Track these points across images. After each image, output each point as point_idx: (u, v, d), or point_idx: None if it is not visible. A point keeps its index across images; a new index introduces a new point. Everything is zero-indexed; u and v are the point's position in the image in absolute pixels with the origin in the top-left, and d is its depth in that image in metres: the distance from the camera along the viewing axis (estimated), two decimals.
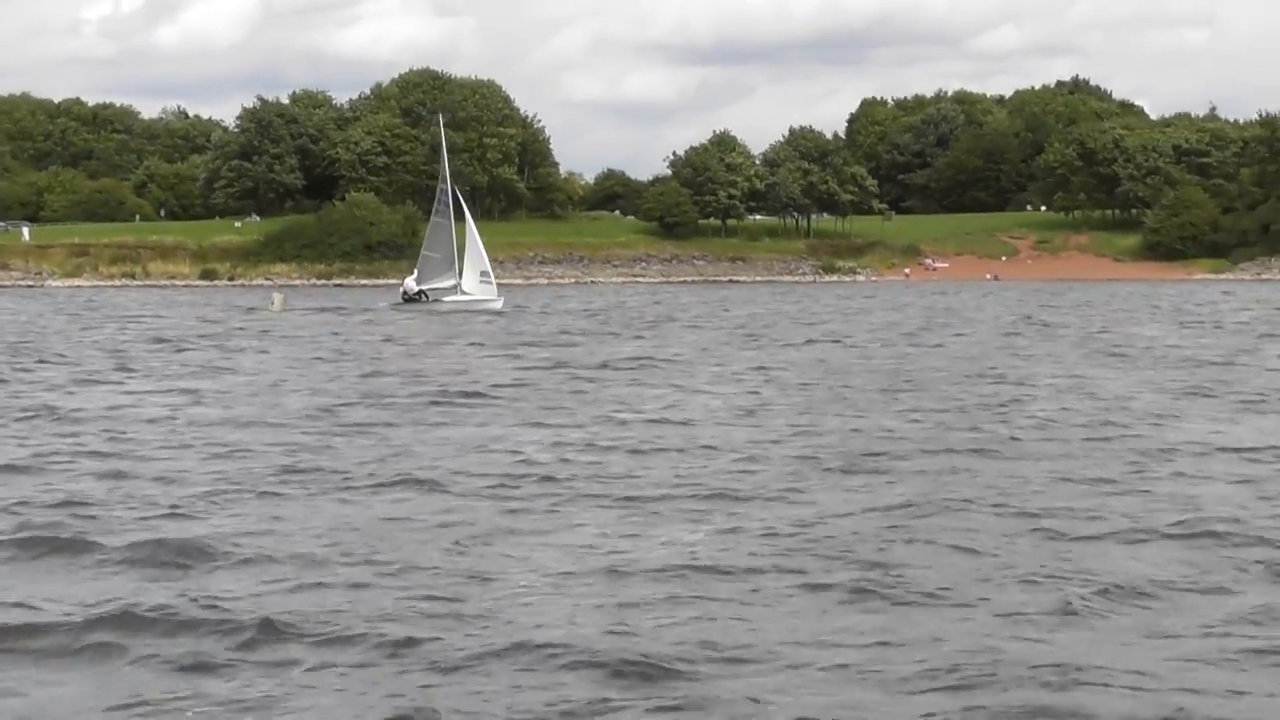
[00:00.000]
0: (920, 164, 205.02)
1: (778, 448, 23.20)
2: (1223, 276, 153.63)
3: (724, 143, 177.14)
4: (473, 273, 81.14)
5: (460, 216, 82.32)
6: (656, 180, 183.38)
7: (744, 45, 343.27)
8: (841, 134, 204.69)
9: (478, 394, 32.11)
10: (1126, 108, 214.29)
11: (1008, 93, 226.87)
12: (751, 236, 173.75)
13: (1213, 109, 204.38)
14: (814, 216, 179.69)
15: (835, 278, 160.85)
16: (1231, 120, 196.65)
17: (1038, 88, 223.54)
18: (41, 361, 42.88)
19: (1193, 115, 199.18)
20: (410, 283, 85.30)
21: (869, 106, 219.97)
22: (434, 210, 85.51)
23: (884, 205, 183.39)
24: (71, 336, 56.76)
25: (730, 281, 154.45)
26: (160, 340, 53.43)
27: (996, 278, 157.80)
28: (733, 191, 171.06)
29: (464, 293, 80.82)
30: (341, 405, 29.84)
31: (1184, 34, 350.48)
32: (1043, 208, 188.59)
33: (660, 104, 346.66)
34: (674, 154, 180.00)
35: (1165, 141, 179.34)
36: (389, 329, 61.62)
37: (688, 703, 10.92)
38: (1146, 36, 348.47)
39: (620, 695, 11.07)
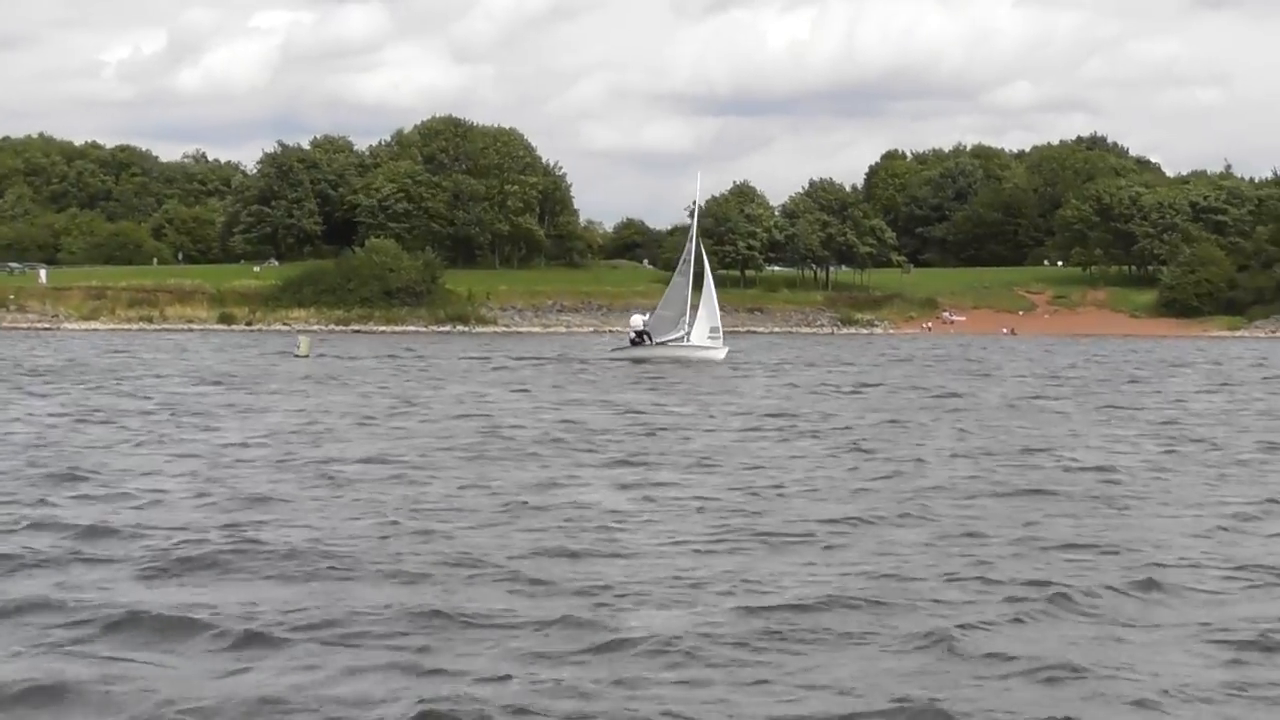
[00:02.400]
0: (939, 217, 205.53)
1: None
2: (1239, 334, 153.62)
3: (744, 193, 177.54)
4: (703, 327, 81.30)
5: (700, 274, 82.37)
6: (676, 230, 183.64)
7: (761, 96, 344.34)
8: (860, 186, 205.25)
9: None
10: (1143, 165, 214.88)
11: (1023, 147, 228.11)
12: (770, 287, 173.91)
13: (1228, 166, 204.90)
14: (832, 268, 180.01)
15: (853, 330, 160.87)
16: (1247, 179, 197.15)
17: (1054, 143, 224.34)
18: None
19: (1208, 173, 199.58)
20: (636, 319, 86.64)
21: (888, 159, 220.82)
22: (676, 270, 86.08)
23: (902, 258, 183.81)
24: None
25: (749, 332, 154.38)
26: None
27: (1013, 332, 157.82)
28: (752, 242, 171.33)
29: (689, 343, 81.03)
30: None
31: (1196, 92, 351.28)
32: (1060, 263, 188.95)
33: (678, 153, 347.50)
34: (694, 203, 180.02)
35: (1182, 199, 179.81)
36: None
37: None
38: (1159, 94, 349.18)
39: None
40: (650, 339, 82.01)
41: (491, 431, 35.12)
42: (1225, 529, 21.00)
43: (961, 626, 14.61)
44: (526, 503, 22.56)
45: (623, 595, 15.93)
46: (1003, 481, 25.90)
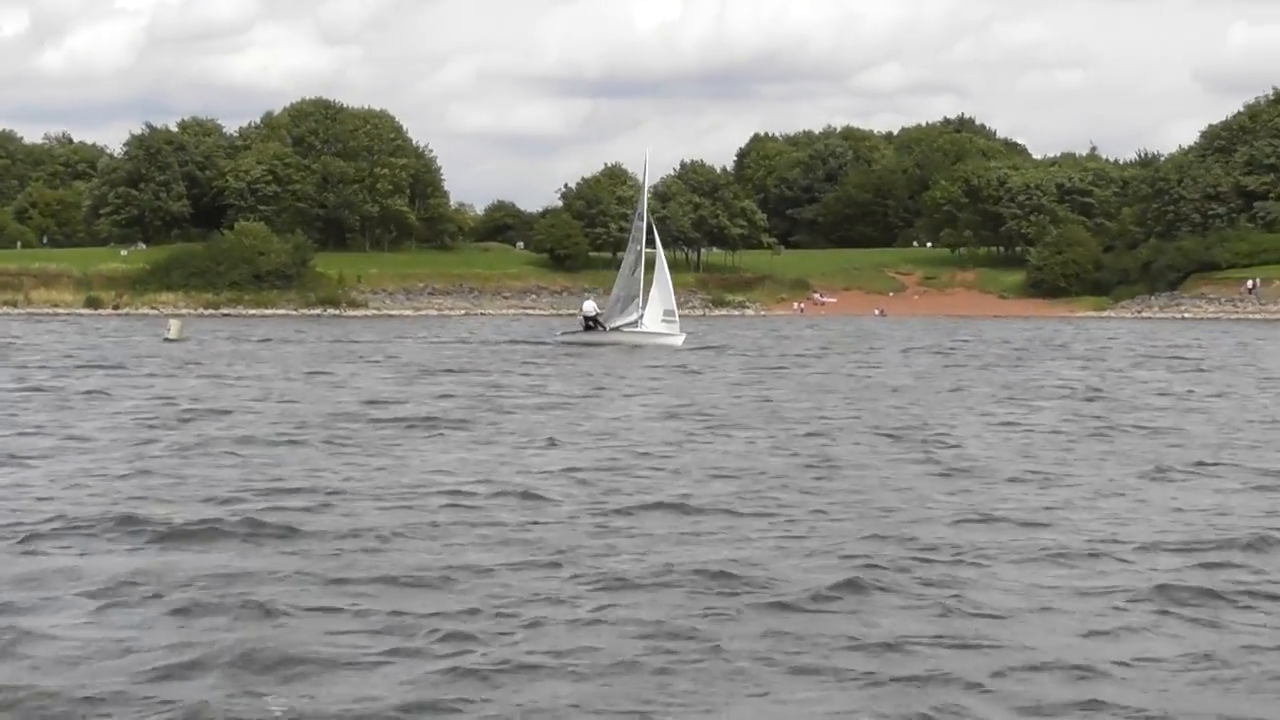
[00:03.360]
0: (809, 199, 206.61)
1: None
2: (1105, 314, 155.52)
3: (615, 175, 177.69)
4: (655, 311, 78.37)
5: (653, 253, 79.79)
6: (547, 212, 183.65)
7: (631, 78, 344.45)
8: (731, 168, 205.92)
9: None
10: (1010, 146, 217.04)
11: (892, 129, 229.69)
12: None
13: (1093, 148, 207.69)
14: (704, 250, 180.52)
15: (725, 311, 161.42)
16: (1112, 160, 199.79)
17: (923, 125, 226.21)
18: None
19: (1075, 155, 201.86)
20: (589, 305, 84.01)
21: (759, 141, 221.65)
22: (628, 250, 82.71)
23: (773, 239, 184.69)
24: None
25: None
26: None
27: (884, 313, 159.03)
28: (624, 224, 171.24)
29: (643, 326, 78.12)
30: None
31: (1060, 75, 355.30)
32: (929, 244, 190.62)
33: (548, 136, 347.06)
34: (565, 186, 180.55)
35: (1048, 180, 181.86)
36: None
37: None
38: (1024, 77, 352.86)
39: None
40: (603, 325, 79.36)
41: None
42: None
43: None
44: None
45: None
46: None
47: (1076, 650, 13.17)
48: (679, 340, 76.93)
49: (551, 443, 28.77)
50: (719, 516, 19.72)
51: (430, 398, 40.03)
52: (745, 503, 20.91)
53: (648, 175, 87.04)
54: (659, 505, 20.57)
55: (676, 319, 79.02)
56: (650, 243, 79.95)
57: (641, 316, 78.30)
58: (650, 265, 79.69)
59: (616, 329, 78.53)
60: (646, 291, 78.76)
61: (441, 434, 30.35)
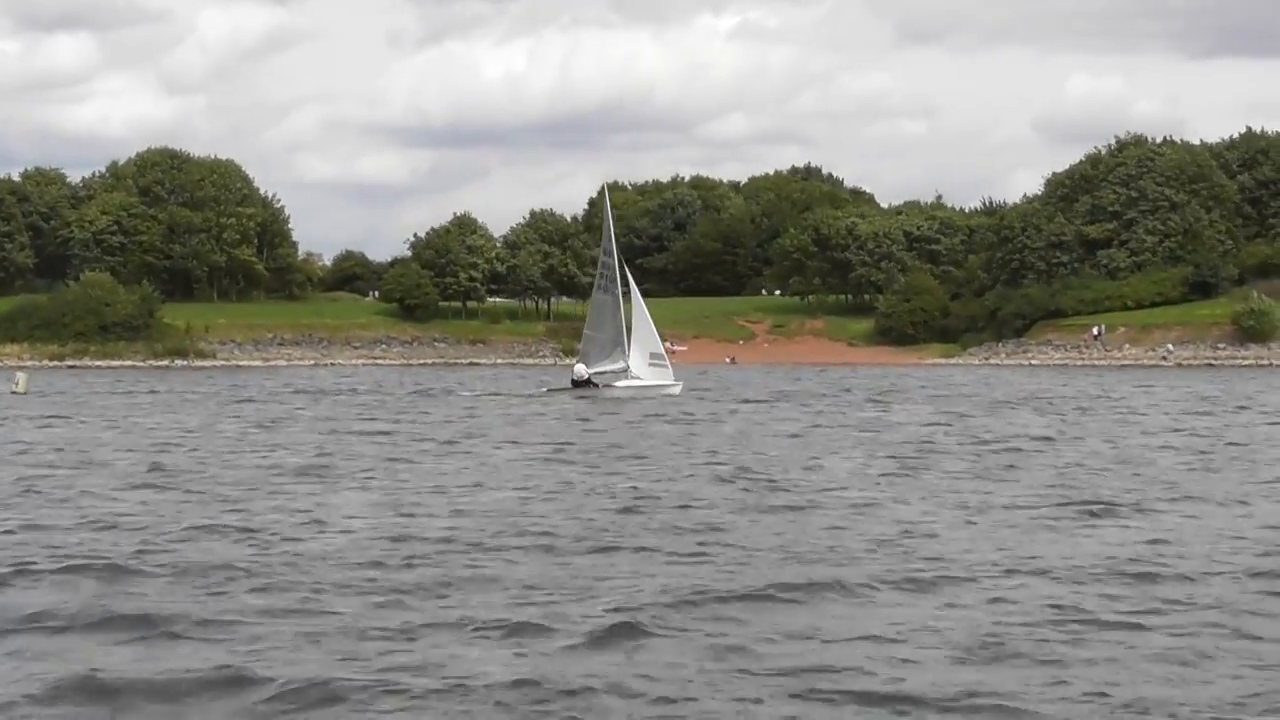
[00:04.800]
0: (658, 248, 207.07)
1: None
2: (954, 361, 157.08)
3: (464, 224, 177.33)
4: (641, 354, 74.67)
5: (628, 293, 76.20)
6: (396, 261, 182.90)
7: (477, 128, 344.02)
8: (580, 217, 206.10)
9: None
10: (858, 195, 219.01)
11: (740, 178, 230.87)
12: (492, 319, 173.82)
13: (939, 197, 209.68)
14: (554, 299, 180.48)
15: (576, 360, 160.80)
16: (957, 209, 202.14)
17: (770, 174, 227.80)
18: None
19: (921, 203, 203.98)
20: (580, 369, 76.14)
21: (608, 190, 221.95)
22: (595, 286, 79.13)
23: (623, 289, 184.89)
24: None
25: (471, 364, 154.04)
26: None
27: (734, 360, 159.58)
28: (474, 273, 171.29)
29: (635, 377, 74.04)
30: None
31: (904, 125, 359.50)
32: (778, 292, 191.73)
33: (395, 185, 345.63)
34: (415, 235, 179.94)
35: (896, 228, 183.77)
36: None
37: None
38: (869, 126, 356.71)
39: None
40: (596, 384, 74.02)
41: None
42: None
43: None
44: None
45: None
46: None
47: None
48: (677, 389, 73.60)
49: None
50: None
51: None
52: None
53: (608, 212, 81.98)
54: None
55: (668, 364, 76.06)
56: (625, 281, 76.80)
57: (629, 364, 74.93)
58: (628, 307, 76.21)
59: (610, 386, 73.95)
60: (628, 335, 75.37)
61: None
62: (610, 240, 78.40)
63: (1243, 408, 63.08)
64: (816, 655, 14.77)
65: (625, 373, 74.79)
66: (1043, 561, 20.05)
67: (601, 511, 25.49)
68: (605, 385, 74.10)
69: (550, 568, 19.56)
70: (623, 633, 15.43)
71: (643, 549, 21.15)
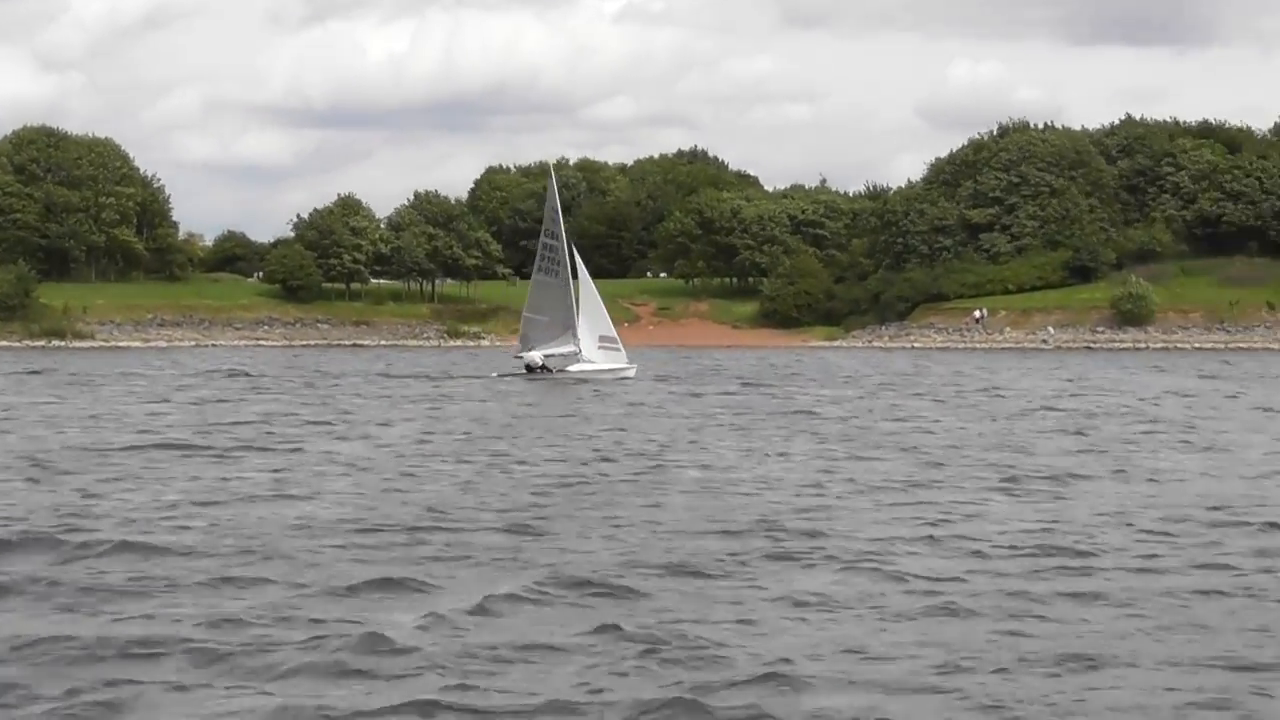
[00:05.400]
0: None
1: None
2: (837, 344, 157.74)
3: (348, 205, 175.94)
4: (590, 338, 73.57)
5: (575, 275, 74.77)
6: (279, 242, 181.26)
7: (360, 109, 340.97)
8: (465, 199, 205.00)
9: None
10: (743, 178, 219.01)
11: (625, 161, 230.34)
12: (376, 300, 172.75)
13: (823, 180, 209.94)
14: (439, 281, 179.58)
15: (461, 342, 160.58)
16: (841, 193, 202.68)
17: (656, 157, 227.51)
18: None
19: (806, 187, 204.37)
20: (534, 355, 74.10)
21: (492, 173, 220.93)
22: (536, 267, 77.08)
23: (508, 270, 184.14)
24: None
25: (355, 346, 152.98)
26: None
27: None
28: (358, 255, 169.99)
29: (587, 360, 72.84)
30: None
31: (788, 108, 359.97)
32: (663, 275, 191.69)
33: (277, 166, 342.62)
34: (298, 216, 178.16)
35: (781, 212, 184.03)
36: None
37: None
38: (753, 110, 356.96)
39: None
40: (551, 371, 72.97)
41: None
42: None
43: None
44: None
45: None
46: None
47: None
48: (631, 372, 73.05)
49: None
50: None
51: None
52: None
53: (554, 193, 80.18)
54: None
55: (620, 346, 74.98)
56: (572, 263, 75.37)
57: (580, 347, 73.86)
58: (576, 289, 74.99)
59: (564, 370, 73.00)
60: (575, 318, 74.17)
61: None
62: (557, 223, 77.14)
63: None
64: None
65: (576, 356, 73.68)
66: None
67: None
68: (559, 370, 73.00)
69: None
70: None
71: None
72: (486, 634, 14.60)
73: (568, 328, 74.23)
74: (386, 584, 16.92)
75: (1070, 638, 14.54)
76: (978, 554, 19.05)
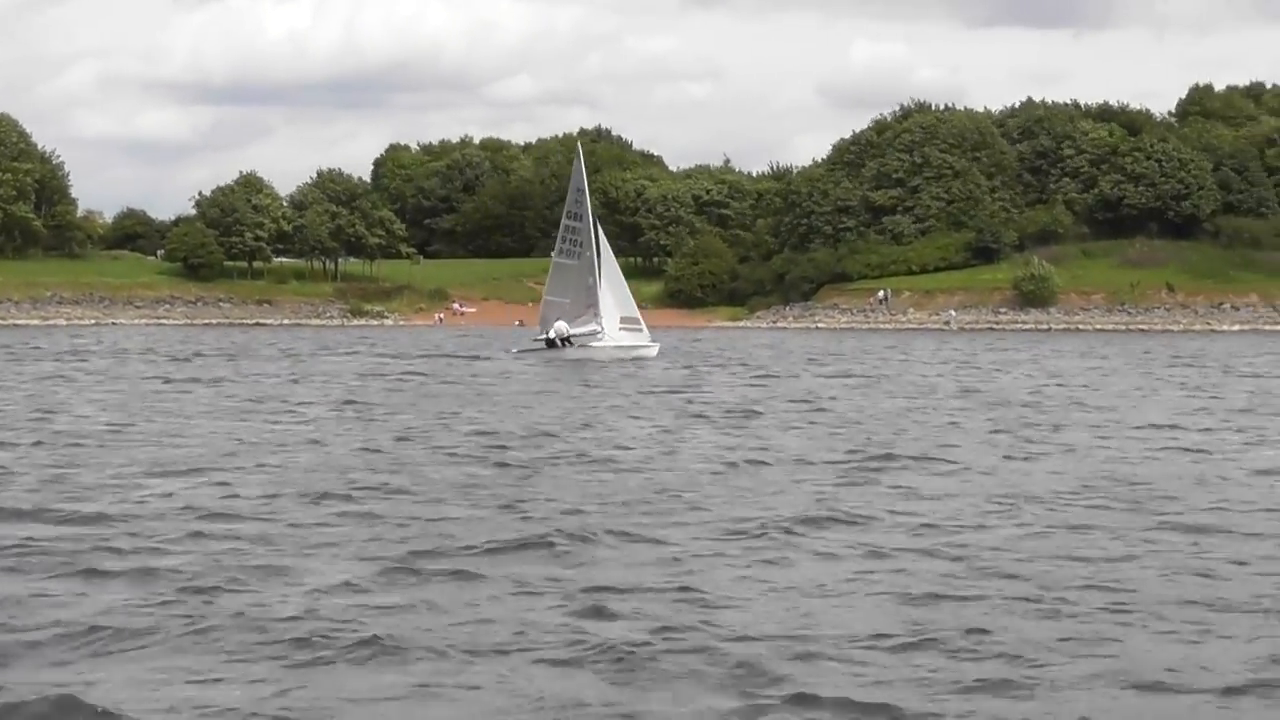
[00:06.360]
0: (447, 209, 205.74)
1: None
2: (741, 324, 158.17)
3: (250, 183, 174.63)
4: (613, 318, 73.29)
5: (598, 255, 73.79)
6: (180, 220, 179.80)
7: (261, 85, 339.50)
8: (367, 177, 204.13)
9: None
10: (647, 158, 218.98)
11: (529, 140, 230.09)
12: (279, 279, 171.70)
13: (727, 161, 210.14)
14: (342, 260, 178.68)
15: (364, 321, 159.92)
16: (746, 172, 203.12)
17: (559, 136, 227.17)
18: None
19: (711, 167, 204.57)
20: (561, 325, 73.95)
21: (395, 151, 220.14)
22: (556, 250, 76.92)
23: (411, 249, 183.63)
24: None
25: (257, 324, 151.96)
26: None
27: (523, 323, 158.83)
28: (260, 233, 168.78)
29: (610, 339, 72.52)
30: None
31: (690, 88, 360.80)
32: None
33: (177, 142, 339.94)
34: (200, 194, 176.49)
35: (685, 192, 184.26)
36: None
37: None
38: (656, 89, 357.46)
39: None
40: (572, 343, 72.88)
41: None
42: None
43: None
44: None
45: None
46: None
47: None
48: (653, 351, 72.74)
49: None
50: None
51: None
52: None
53: (584, 170, 78.97)
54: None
55: (643, 327, 74.97)
56: (597, 242, 74.71)
57: (602, 326, 73.60)
58: (590, 269, 74.39)
59: (585, 346, 72.89)
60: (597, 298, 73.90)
61: None
62: (582, 204, 76.46)
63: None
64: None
65: (597, 335, 73.59)
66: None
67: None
68: (581, 345, 73.08)
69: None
70: None
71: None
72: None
73: (589, 306, 74.18)
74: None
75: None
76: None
